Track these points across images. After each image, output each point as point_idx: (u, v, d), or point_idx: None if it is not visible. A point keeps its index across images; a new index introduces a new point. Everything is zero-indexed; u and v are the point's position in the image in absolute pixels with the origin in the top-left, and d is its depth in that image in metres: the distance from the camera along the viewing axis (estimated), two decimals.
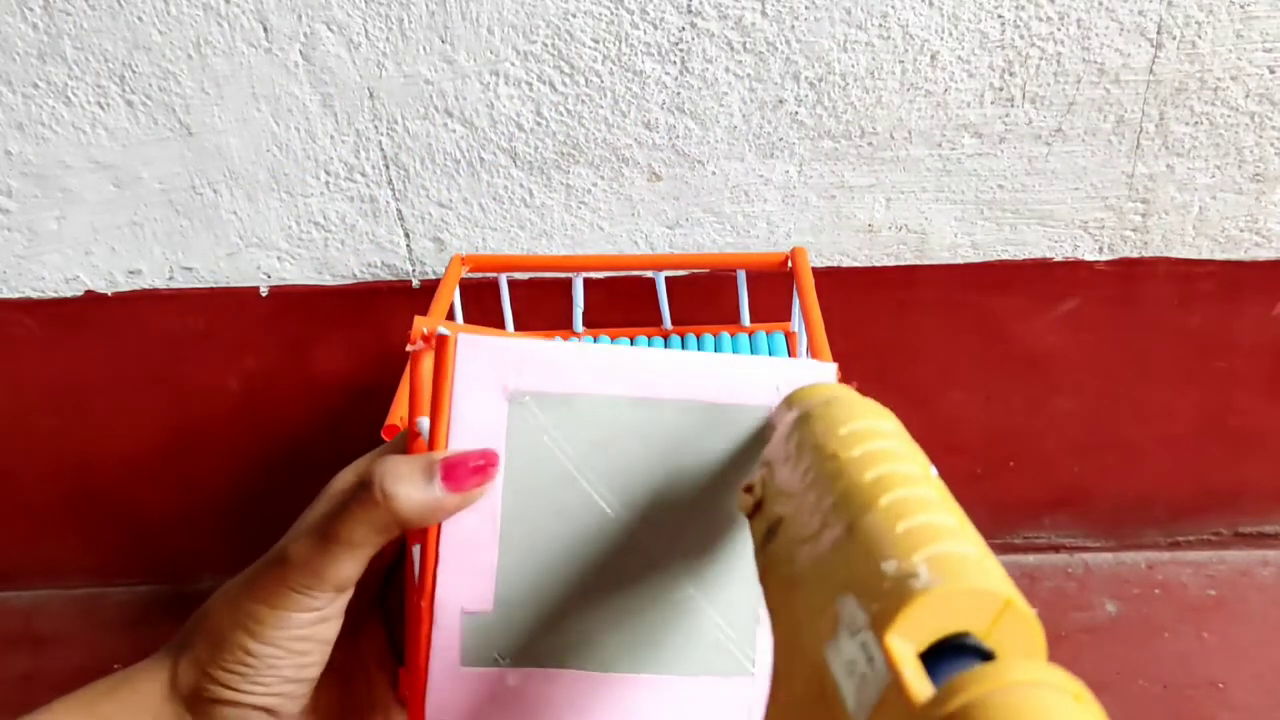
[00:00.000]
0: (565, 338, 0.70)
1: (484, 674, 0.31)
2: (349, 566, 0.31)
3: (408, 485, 0.30)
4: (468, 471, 0.31)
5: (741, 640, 0.32)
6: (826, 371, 0.34)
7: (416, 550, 0.33)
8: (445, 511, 0.31)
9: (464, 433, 0.31)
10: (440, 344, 0.32)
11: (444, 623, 0.31)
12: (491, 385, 0.32)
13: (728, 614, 0.32)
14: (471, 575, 0.31)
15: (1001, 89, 0.67)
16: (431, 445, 0.32)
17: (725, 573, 0.32)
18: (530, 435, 0.32)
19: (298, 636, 0.31)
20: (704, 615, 0.32)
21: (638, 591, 0.32)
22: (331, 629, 0.32)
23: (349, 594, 0.32)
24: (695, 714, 0.32)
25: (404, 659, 0.33)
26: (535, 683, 0.31)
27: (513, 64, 0.66)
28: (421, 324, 0.33)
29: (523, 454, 0.32)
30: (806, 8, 0.64)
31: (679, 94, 0.68)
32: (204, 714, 0.31)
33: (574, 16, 0.64)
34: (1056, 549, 0.93)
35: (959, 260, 0.75)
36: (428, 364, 0.34)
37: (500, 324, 0.72)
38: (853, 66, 0.66)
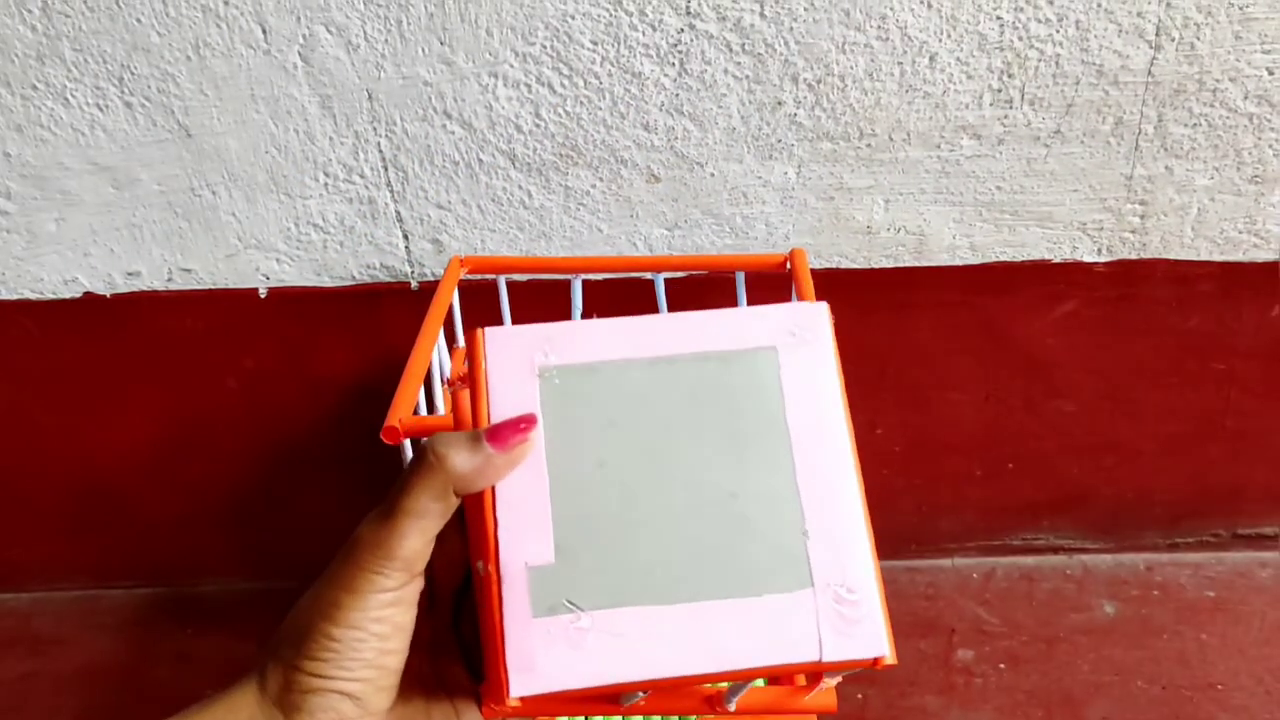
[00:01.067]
0: None
1: (556, 621, 0.33)
2: (415, 539, 0.33)
3: (458, 448, 0.33)
4: (510, 430, 0.34)
5: (796, 556, 0.34)
6: (819, 311, 0.37)
7: (480, 566, 0.35)
8: (495, 470, 0.34)
9: (502, 411, 0.35)
10: (470, 339, 0.36)
11: (511, 580, 0.33)
12: (521, 367, 0.36)
13: (778, 533, 0.34)
14: (530, 532, 0.34)
15: (1000, 90, 0.67)
16: (476, 423, 0.35)
17: (767, 496, 0.35)
18: (563, 403, 0.35)
19: (375, 618, 0.33)
20: (756, 539, 0.34)
21: (689, 525, 0.34)
22: (407, 615, 0.34)
23: (420, 581, 0.34)
24: (765, 631, 0.33)
25: (481, 675, 0.35)
26: (604, 622, 0.33)
27: (511, 66, 0.66)
28: (460, 367, 0.36)
29: (559, 420, 0.35)
30: (805, 9, 0.64)
31: (677, 96, 0.68)
32: (294, 708, 0.33)
33: (572, 18, 0.64)
34: (1055, 550, 0.93)
35: (957, 262, 0.75)
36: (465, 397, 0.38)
37: (499, 325, 0.72)
38: (851, 68, 0.66)
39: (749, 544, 0.34)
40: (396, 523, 0.33)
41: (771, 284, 0.73)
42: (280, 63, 0.67)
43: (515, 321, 0.73)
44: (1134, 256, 0.75)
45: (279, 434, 0.85)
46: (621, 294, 0.75)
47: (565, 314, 0.71)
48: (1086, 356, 0.80)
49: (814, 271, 0.71)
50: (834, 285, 0.75)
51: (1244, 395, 0.82)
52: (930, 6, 0.64)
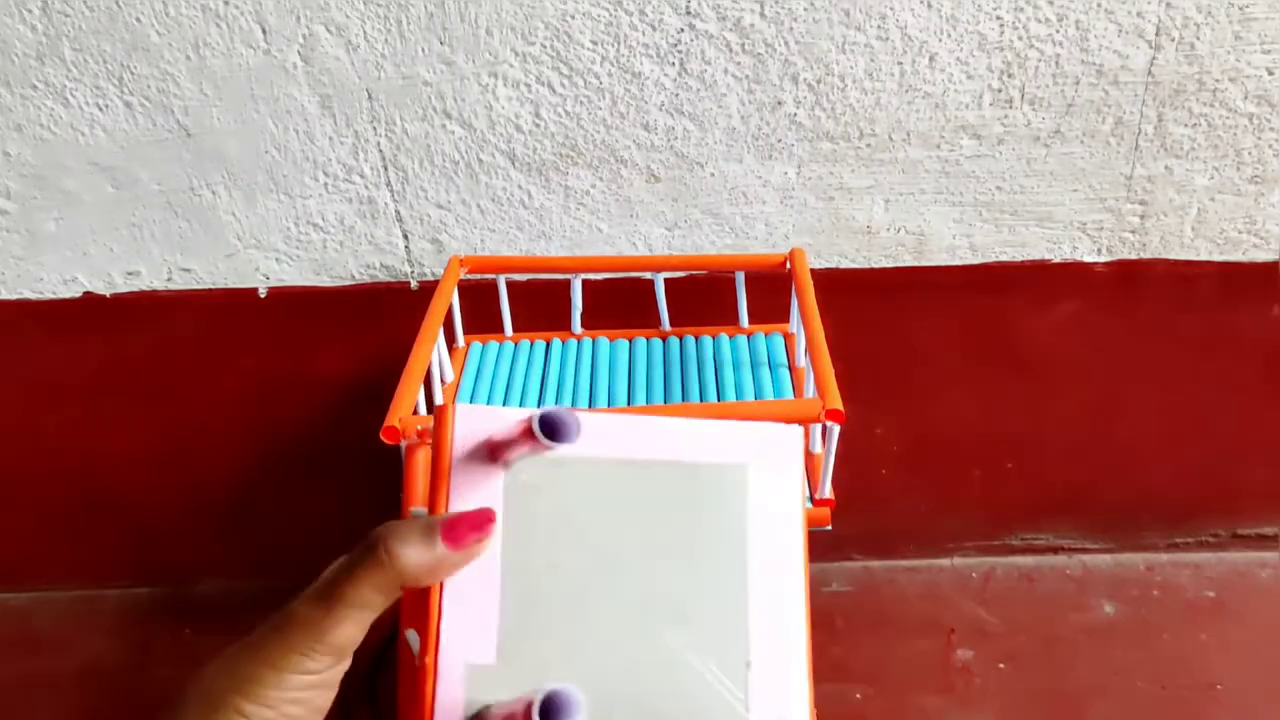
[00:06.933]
0: (564, 340, 0.71)
1: None
2: (351, 628, 0.32)
3: (411, 544, 0.32)
4: (466, 529, 0.32)
5: (735, 686, 0.34)
6: (793, 434, 0.36)
7: (410, 635, 0.34)
8: (447, 569, 0.32)
9: (463, 496, 0.33)
10: (439, 414, 0.34)
11: (448, 676, 0.32)
12: (488, 451, 0.34)
13: (721, 660, 0.34)
14: (475, 629, 0.33)
15: (1000, 90, 0.67)
16: (433, 509, 0.33)
17: (715, 620, 0.34)
18: (525, 497, 0.34)
19: (292, 699, 0.32)
20: (697, 663, 0.34)
21: (633, 640, 0.33)
22: (325, 698, 0.33)
23: (346, 664, 0.33)
24: None
25: None
26: None
27: (511, 65, 0.66)
28: (414, 422, 0.33)
29: (519, 514, 0.34)
30: (805, 9, 0.64)
31: (677, 95, 0.68)
32: None
33: (572, 18, 0.64)
34: (1055, 550, 0.93)
35: (957, 262, 0.75)
36: (423, 456, 0.35)
37: (499, 326, 0.72)
38: (851, 68, 0.66)
39: (690, 668, 0.33)
40: (335, 610, 0.31)
41: (772, 283, 0.73)
42: (280, 63, 0.66)
43: (515, 321, 0.73)
44: (1134, 256, 0.75)
45: (279, 434, 0.85)
46: (621, 294, 0.75)
47: (565, 314, 0.71)
48: (1086, 356, 0.80)
49: (814, 271, 0.71)
50: (834, 285, 0.75)
51: (1243, 395, 0.82)
52: (930, 6, 0.64)
